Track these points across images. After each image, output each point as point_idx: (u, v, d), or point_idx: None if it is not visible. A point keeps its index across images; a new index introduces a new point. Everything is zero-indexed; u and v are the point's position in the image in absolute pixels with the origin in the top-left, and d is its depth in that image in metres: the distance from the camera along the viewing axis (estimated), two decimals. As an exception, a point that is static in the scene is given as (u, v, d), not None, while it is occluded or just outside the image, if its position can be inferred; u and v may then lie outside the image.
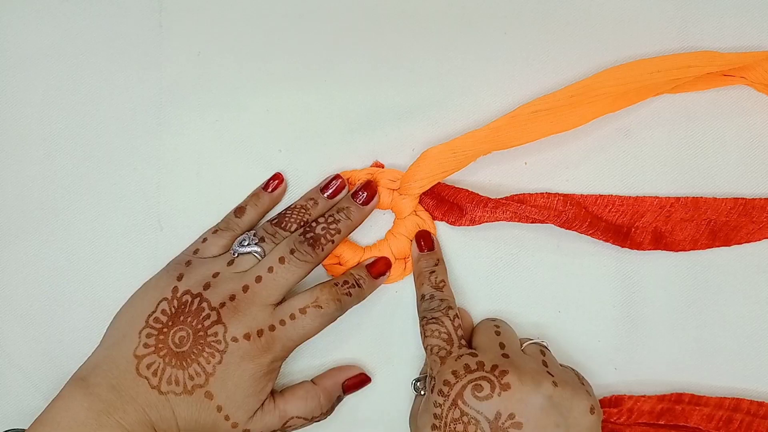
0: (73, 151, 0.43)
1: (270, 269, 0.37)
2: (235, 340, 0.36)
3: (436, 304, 0.38)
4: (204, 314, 0.36)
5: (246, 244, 0.38)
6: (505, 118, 0.40)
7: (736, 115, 0.41)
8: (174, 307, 0.36)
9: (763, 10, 0.42)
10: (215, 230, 0.40)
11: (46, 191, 0.42)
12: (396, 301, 0.41)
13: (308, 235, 0.38)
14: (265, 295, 0.37)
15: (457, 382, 0.35)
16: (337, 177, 0.41)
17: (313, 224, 0.39)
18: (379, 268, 0.40)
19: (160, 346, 0.36)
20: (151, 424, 0.35)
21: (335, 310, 0.38)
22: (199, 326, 0.36)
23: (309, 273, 0.38)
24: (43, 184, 0.43)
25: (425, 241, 0.40)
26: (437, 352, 0.37)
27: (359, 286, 0.39)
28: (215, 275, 0.37)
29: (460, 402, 0.34)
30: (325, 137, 0.42)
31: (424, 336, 0.38)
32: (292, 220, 0.39)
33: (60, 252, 0.42)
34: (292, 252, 0.37)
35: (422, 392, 0.38)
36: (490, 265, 0.41)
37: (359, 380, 0.40)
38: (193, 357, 0.35)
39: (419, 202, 0.41)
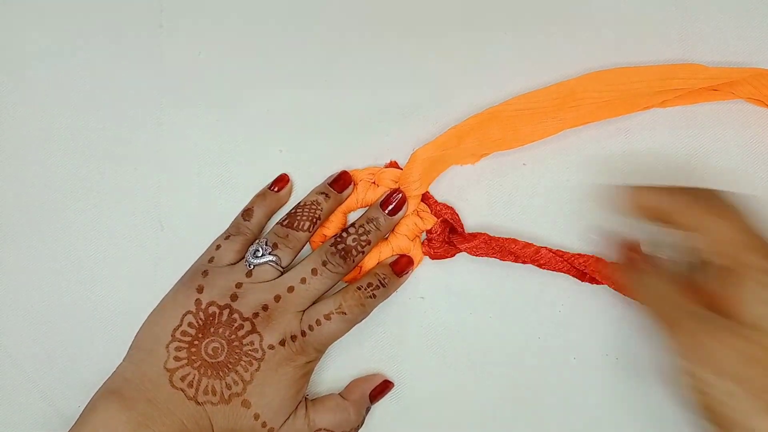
0: (74, 151, 0.42)
1: (303, 280, 0.38)
2: (271, 347, 0.36)
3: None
4: (236, 324, 0.36)
5: (260, 255, 0.38)
6: (488, 111, 0.40)
7: (736, 115, 0.41)
8: (201, 319, 0.37)
9: (765, 13, 0.42)
10: (227, 236, 0.40)
11: (47, 191, 0.42)
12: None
13: (339, 247, 0.38)
14: (297, 304, 0.37)
15: None
16: (344, 172, 0.41)
17: (344, 235, 0.39)
18: (402, 266, 0.40)
19: (193, 358, 0.36)
20: None
21: (359, 314, 0.38)
22: (233, 336, 0.36)
23: (338, 282, 0.39)
24: (44, 184, 0.42)
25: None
26: None
27: (384, 286, 0.39)
28: (238, 285, 0.37)
29: None
30: (326, 137, 0.42)
31: None
32: (304, 218, 0.39)
33: (60, 252, 0.42)
34: (324, 264, 0.38)
35: None
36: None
37: (384, 387, 0.40)
38: (230, 366, 0.36)
39: (424, 200, 0.41)
